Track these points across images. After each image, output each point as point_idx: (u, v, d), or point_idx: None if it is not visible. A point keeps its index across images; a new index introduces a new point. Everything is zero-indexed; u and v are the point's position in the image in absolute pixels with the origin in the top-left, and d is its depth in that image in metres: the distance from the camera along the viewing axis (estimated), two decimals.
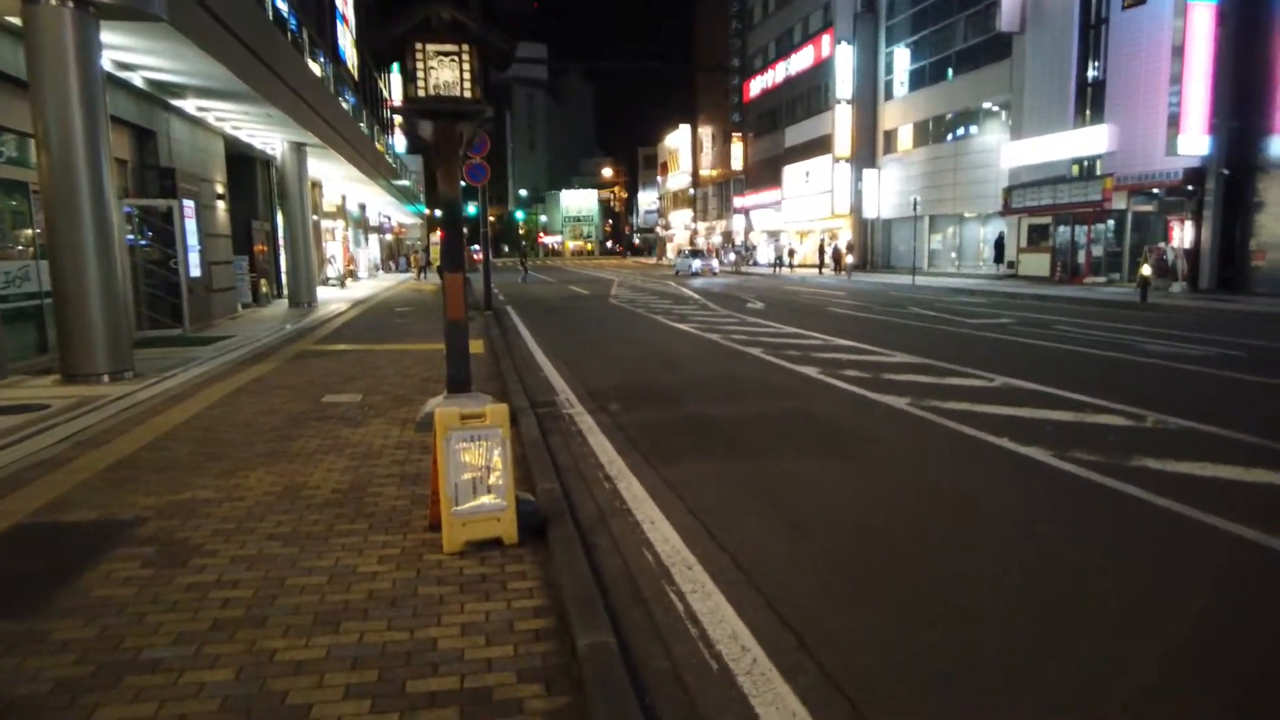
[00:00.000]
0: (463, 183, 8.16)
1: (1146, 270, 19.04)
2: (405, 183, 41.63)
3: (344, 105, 23.68)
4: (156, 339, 11.72)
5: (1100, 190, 24.63)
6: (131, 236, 11.85)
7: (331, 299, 21.72)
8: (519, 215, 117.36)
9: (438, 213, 6.62)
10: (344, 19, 29.33)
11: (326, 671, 2.75)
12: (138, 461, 5.37)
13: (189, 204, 12.71)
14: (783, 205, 48.17)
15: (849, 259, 36.96)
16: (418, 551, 3.79)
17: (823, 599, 3.49)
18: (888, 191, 38.88)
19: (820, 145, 42.39)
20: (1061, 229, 27.59)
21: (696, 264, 39.52)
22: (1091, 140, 25.24)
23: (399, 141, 42.89)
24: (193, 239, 12.75)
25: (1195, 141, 21.52)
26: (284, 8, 16.21)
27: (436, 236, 37.33)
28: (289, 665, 2.79)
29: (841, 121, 40.18)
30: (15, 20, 8.04)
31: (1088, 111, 25.87)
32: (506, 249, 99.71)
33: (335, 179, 26.89)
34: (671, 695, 2.74)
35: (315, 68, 19.12)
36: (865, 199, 39.88)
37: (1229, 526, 4.24)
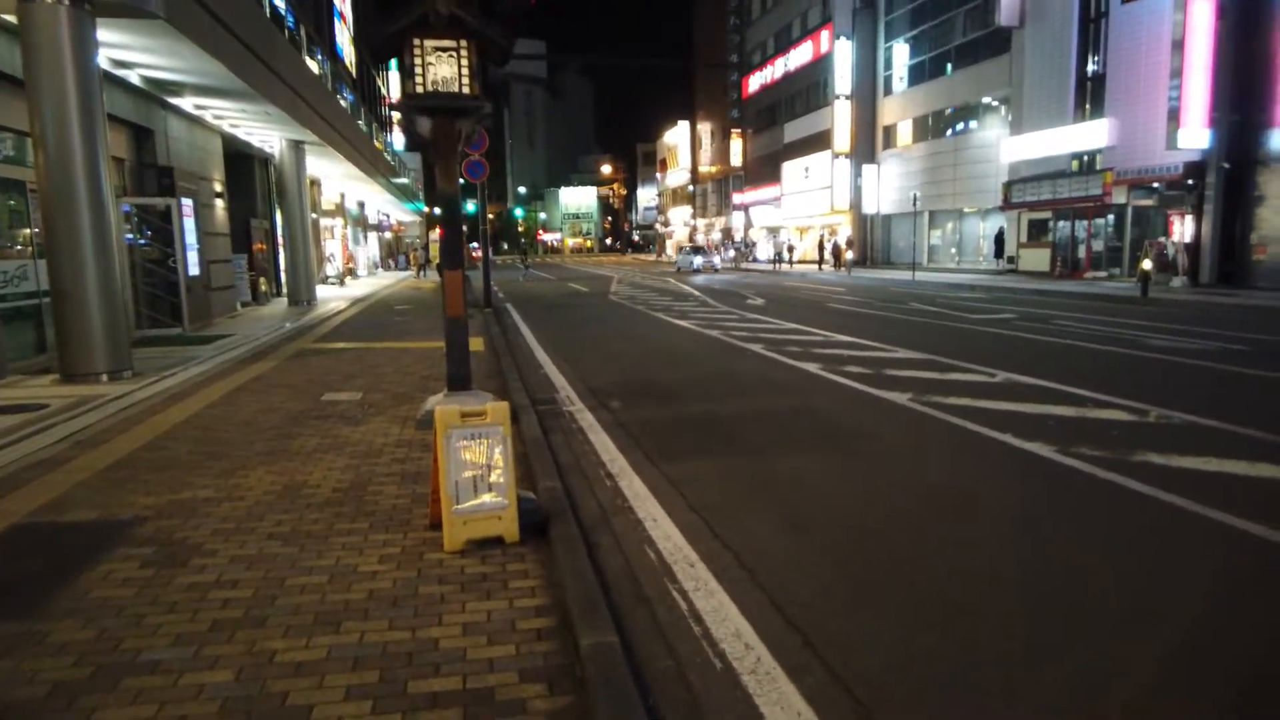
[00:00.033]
0: (461, 180, 8.14)
1: (1147, 265, 19.00)
2: (404, 180, 41.58)
3: (342, 103, 23.63)
4: (155, 338, 11.69)
5: (1100, 185, 24.58)
6: (130, 235, 11.82)
7: (331, 297, 21.69)
8: (518, 213, 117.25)
9: (437, 210, 6.60)
10: (341, 16, 29.28)
11: (327, 672, 2.73)
12: (137, 461, 5.35)
13: (187, 202, 12.67)
14: (782, 201, 48.09)
15: (849, 255, 36.93)
16: (418, 550, 3.77)
17: (828, 597, 3.47)
18: (887, 187, 38.82)
19: (819, 141, 42.32)
20: (1061, 224, 27.55)
21: (698, 260, 39.48)
22: (1091, 135, 25.18)
23: (398, 139, 42.84)
24: (191, 237, 12.71)
25: (1195, 135, 21.47)
26: (281, 5, 16.15)
27: (435, 234, 37.27)
28: (289, 666, 2.77)
29: (841, 117, 40.11)
30: (11, 18, 7.99)
31: (1087, 106, 25.81)
32: (506, 246, 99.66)
33: (334, 177, 26.85)
34: (675, 695, 2.72)
35: (313, 65, 19.07)
36: (865, 195, 39.82)
37: (1234, 522, 4.22)
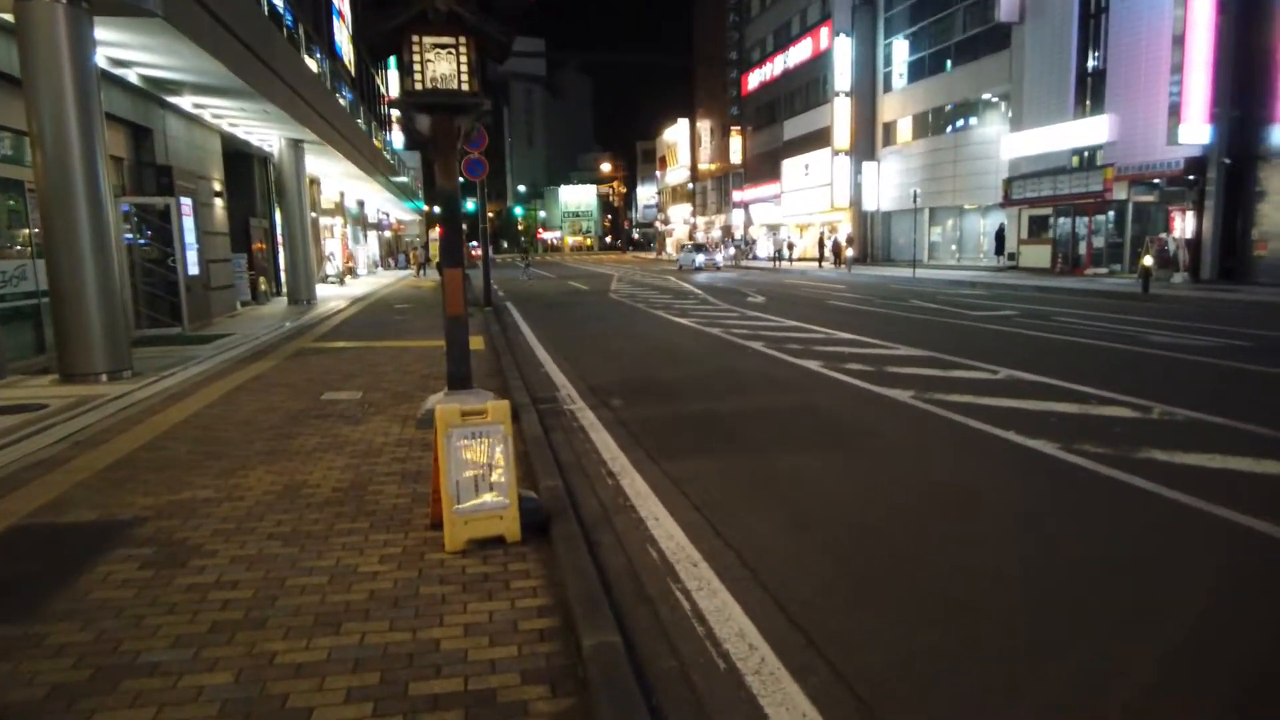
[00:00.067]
0: (461, 178, 8.11)
1: (1148, 261, 18.96)
2: (403, 179, 41.56)
3: (341, 101, 23.59)
4: (155, 337, 11.67)
5: (1101, 181, 24.53)
6: (129, 235, 11.80)
7: (330, 296, 21.67)
8: (518, 211, 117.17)
9: (436, 209, 6.57)
10: (340, 15, 29.23)
11: (328, 674, 2.70)
12: (136, 461, 5.33)
13: (186, 202, 12.64)
14: (782, 199, 48.03)
15: (849, 252, 36.87)
16: (419, 550, 3.75)
17: (831, 595, 3.45)
18: (887, 184, 38.76)
19: (819, 138, 42.26)
20: (1062, 220, 27.51)
21: (700, 259, 39.44)
22: (1092, 130, 25.13)
23: (397, 138, 42.80)
24: (190, 237, 12.69)
25: (1196, 131, 21.42)
26: (280, 3, 16.11)
27: (435, 233, 37.24)
28: (289, 668, 2.75)
29: (840, 114, 40.05)
30: (8, 16, 7.96)
31: (1088, 102, 25.76)
32: (505, 245, 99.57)
33: (333, 176, 26.82)
34: (679, 696, 2.70)
35: (312, 64, 19.03)
36: (865, 192, 39.76)
37: (1239, 519, 4.20)
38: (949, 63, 34.09)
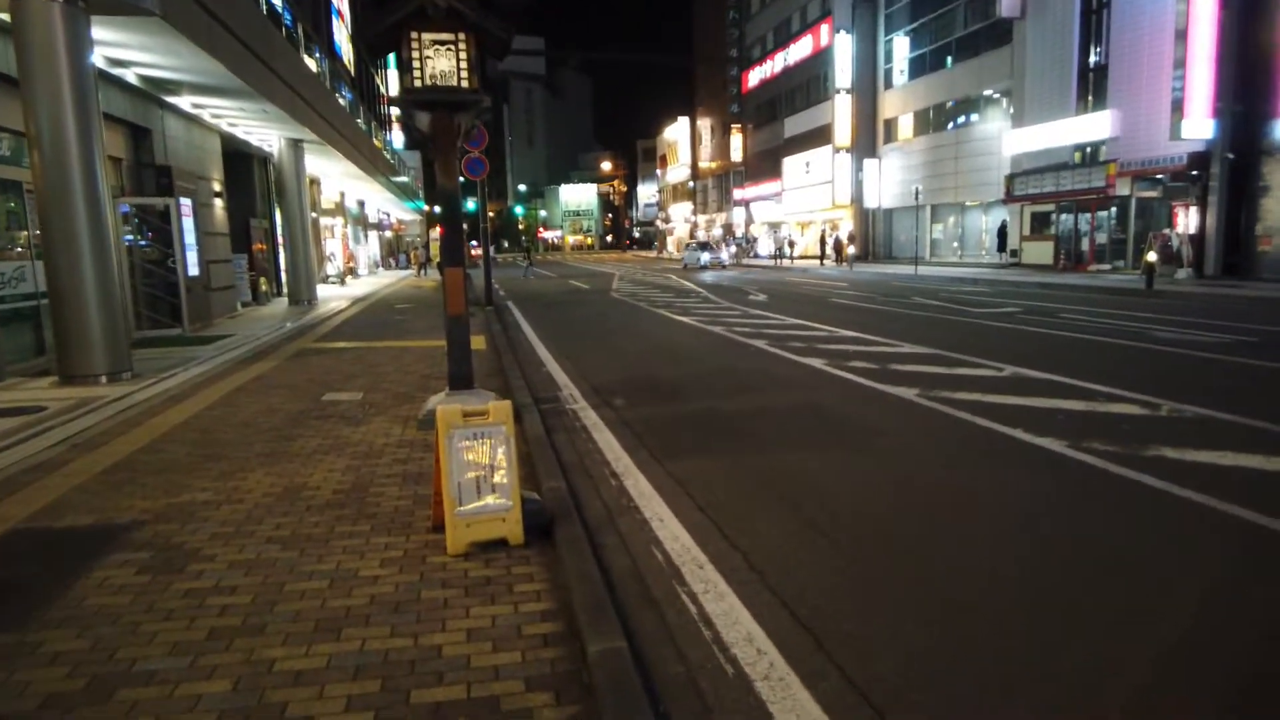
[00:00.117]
0: (461, 178, 8.05)
1: (1152, 257, 18.87)
2: (404, 179, 41.49)
3: (341, 101, 23.53)
4: (155, 339, 11.62)
5: (1103, 176, 24.44)
6: (129, 236, 11.75)
7: (331, 296, 21.61)
8: (518, 210, 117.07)
9: (437, 209, 6.51)
10: (339, 14, 29.18)
11: (327, 682, 2.65)
12: (135, 464, 5.27)
13: (186, 202, 12.58)
14: (783, 196, 47.93)
15: (850, 250, 36.78)
16: (421, 554, 3.69)
17: (840, 598, 3.39)
18: (889, 181, 38.66)
19: (820, 135, 42.16)
20: (1064, 216, 27.41)
21: (705, 257, 39.36)
22: (1094, 126, 25.03)
23: (397, 138, 42.76)
24: (190, 237, 12.63)
25: (1199, 126, 21.32)
26: (279, 3, 16.06)
27: (436, 233, 37.17)
28: (288, 675, 2.69)
29: (841, 111, 39.95)
30: (4, 16, 7.91)
31: (1090, 97, 25.66)
32: (506, 244, 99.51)
33: (333, 176, 26.76)
34: (686, 703, 2.63)
35: (311, 63, 18.97)
36: (866, 189, 39.66)
37: (1254, 517, 4.13)
38: (950, 59, 33.99)
